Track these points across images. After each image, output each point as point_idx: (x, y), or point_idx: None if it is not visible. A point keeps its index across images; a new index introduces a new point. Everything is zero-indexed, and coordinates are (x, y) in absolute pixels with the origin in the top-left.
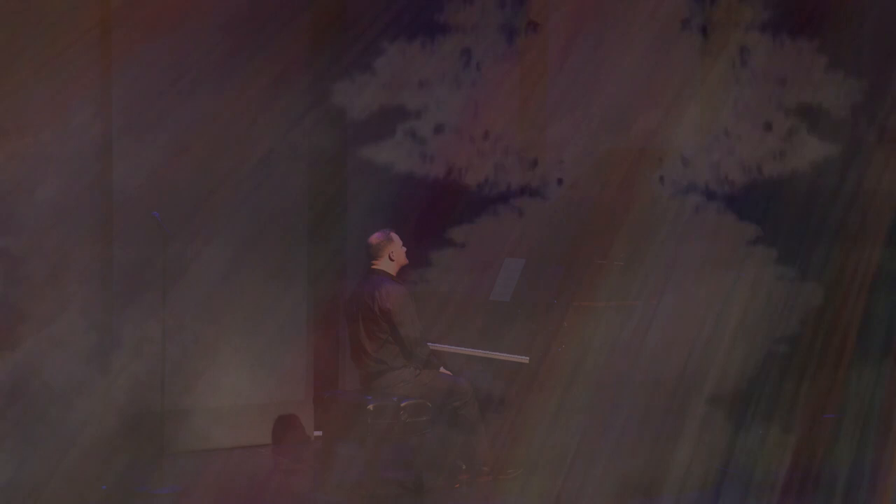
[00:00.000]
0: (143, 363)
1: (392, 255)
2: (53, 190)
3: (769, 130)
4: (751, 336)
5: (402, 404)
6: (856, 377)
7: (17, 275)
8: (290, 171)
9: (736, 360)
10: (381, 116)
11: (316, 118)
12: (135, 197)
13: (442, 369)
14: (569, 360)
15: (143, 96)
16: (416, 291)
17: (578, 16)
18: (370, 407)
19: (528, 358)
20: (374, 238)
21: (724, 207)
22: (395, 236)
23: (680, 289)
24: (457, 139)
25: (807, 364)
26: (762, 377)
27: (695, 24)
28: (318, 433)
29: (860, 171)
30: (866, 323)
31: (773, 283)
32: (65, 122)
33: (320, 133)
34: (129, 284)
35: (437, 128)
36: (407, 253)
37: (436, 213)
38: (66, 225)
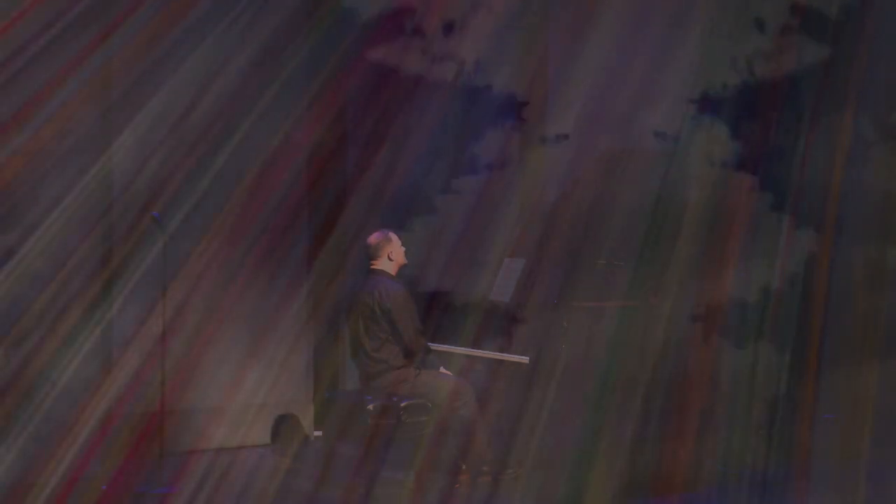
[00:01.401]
0: (143, 363)
1: (391, 254)
2: (54, 188)
3: (761, 31)
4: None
5: (402, 404)
6: (857, 376)
7: (19, 272)
8: (291, 165)
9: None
10: (390, 16)
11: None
12: (135, 196)
13: (442, 369)
14: (569, 360)
15: (144, 93)
16: (416, 291)
17: None
18: (370, 407)
19: (528, 358)
20: (373, 238)
21: (717, 118)
22: (393, 236)
23: (679, 287)
24: (467, 38)
25: (805, 363)
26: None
27: None
28: (318, 433)
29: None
30: (868, 321)
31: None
32: (65, 121)
33: (324, 33)
34: (130, 283)
35: (445, 28)
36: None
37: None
38: (68, 223)
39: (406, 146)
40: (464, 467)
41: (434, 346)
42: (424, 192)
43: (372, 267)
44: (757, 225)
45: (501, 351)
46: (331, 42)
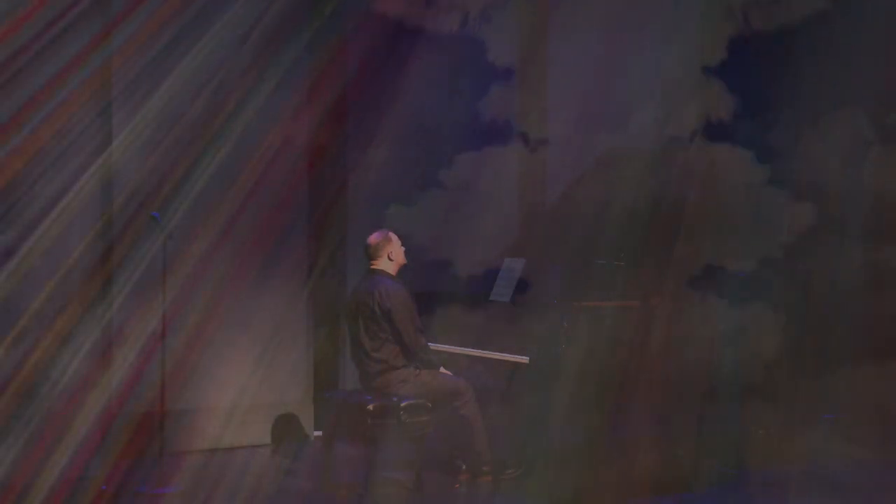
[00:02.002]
0: (142, 362)
1: (391, 254)
2: (54, 186)
3: None
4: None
5: (402, 404)
6: (856, 377)
7: (18, 271)
8: (291, 165)
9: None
10: None
11: None
12: (134, 195)
13: (442, 369)
14: (568, 360)
15: (144, 96)
16: (416, 291)
17: None
18: (370, 407)
19: (528, 358)
20: (373, 238)
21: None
22: (393, 236)
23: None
24: None
25: (806, 363)
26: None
27: None
28: (318, 433)
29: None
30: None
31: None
32: (65, 120)
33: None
34: (130, 282)
35: None
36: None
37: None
38: (67, 222)
39: (407, 120)
40: (464, 467)
41: (434, 346)
42: (428, 170)
43: (372, 267)
44: (755, 198)
45: (501, 351)
46: (332, 21)
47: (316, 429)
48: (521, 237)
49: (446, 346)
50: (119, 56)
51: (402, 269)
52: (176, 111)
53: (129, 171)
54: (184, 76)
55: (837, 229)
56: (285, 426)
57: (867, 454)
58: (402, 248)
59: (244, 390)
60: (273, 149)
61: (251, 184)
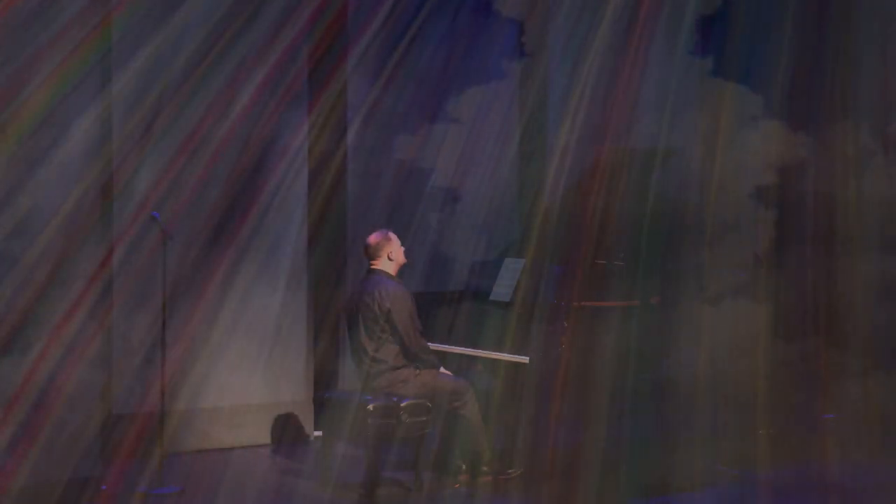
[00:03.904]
0: (143, 363)
1: (391, 254)
2: (54, 192)
3: None
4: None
5: (402, 404)
6: (860, 386)
7: (21, 277)
8: (292, 169)
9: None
10: None
11: None
12: (135, 197)
13: (442, 369)
14: (569, 360)
15: (143, 96)
16: (416, 291)
17: None
18: (370, 407)
19: (528, 358)
20: (373, 238)
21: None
22: (393, 236)
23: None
24: None
25: (811, 369)
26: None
27: None
28: (318, 433)
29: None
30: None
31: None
32: (65, 124)
33: None
34: (131, 285)
35: None
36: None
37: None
38: (68, 227)
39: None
40: (464, 467)
41: (434, 346)
42: (434, 102)
43: (371, 267)
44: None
45: (501, 351)
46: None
47: (316, 429)
48: (522, 236)
49: (446, 346)
50: (118, 55)
51: (403, 267)
52: (176, 110)
53: (129, 171)
54: (183, 75)
55: (844, 238)
56: (285, 426)
57: (867, 455)
58: (402, 248)
59: (244, 390)
60: (273, 149)
61: (252, 183)
